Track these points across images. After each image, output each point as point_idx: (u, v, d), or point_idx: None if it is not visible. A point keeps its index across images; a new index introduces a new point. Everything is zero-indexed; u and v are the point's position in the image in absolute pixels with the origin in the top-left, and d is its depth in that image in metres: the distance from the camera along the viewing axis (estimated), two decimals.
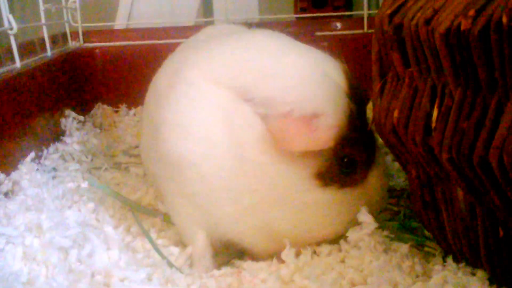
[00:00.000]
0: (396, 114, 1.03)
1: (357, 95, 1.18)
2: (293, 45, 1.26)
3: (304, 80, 1.12)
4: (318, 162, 1.10)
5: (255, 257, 1.18)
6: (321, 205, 1.12)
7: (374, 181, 1.18)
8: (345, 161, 1.12)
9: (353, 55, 2.33)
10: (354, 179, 1.14)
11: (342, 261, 1.13)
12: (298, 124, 1.06)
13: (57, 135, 1.90)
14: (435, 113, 0.94)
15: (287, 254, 1.12)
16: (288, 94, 1.08)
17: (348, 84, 1.18)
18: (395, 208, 1.34)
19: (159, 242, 1.27)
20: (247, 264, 1.15)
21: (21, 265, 1.10)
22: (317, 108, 1.08)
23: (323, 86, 1.12)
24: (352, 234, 1.18)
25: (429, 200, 1.09)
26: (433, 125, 0.94)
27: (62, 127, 1.95)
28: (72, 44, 2.37)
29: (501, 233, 0.92)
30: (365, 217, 1.20)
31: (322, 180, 1.11)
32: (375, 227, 1.18)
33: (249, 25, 1.40)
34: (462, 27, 0.83)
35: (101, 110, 2.34)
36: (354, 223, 1.17)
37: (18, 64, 1.72)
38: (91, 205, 1.39)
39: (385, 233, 1.19)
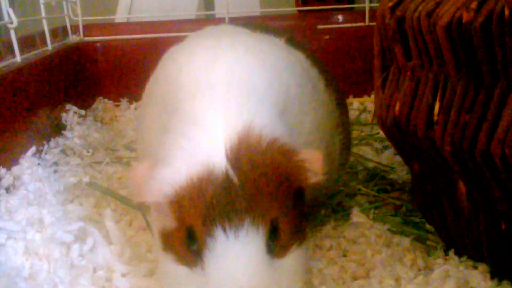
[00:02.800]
0: (398, 107, 1.03)
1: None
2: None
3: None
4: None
5: None
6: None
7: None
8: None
9: (355, 48, 2.34)
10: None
11: (344, 255, 1.14)
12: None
13: (58, 129, 1.90)
14: (437, 106, 0.94)
15: None
16: None
17: None
18: (397, 202, 1.34)
19: None
20: None
21: (23, 260, 1.11)
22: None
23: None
24: (349, 233, 1.18)
25: (431, 193, 1.09)
26: (435, 118, 0.94)
27: (63, 121, 1.95)
28: (72, 38, 2.37)
29: (503, 226, 0.92)
30: (359, 217, 1.20)
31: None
32: (371, 224, 1.19)
33: (254, 26, 1.33)
34: (464, 20, 0.84)
35: (102, 104, 2.34)
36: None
37: (18, 58, 1.73)
38: (92, 199, 1.40)
39: (387, 227, 1.19)
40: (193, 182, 0.90)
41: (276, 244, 0.90)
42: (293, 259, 0.92)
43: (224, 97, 0.97)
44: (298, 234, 0.95)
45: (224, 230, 0.87)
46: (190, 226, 0.90)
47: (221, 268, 0.87)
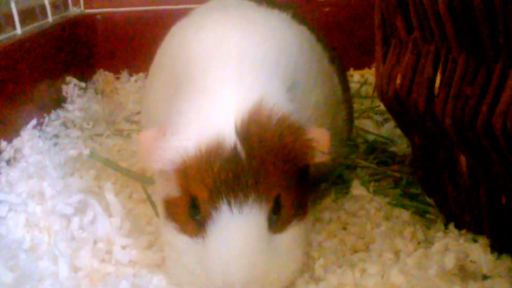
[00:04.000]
0: (399, 80, 1.02)
1: None
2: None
3: None
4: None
5: None
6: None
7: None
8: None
9: (355, 21, 2.32)
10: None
11: (344, 228, 1.13)
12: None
13: (59, 102, 1.88)
14: (438, 79, 0.93)
15: None
16: None
17: None
18: (398, 175, 1.33)
19: None
20: None
21: (24, 232, 1.11)
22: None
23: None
24: (349, 206, 1.18)
25: (431, 166, 1.09)
26: (436, 91, 0.93)
27: (64, 94, 1.94)
28: (73, 10, 2.34)
29: (504, 199, 0.91)
30: (359, 190, 1.20)
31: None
32: (371, 198, 1.19)
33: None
34: None
35: (102, 76, 2.32)
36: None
37: (19, 30, 1.71)
38: (92, 172, 1.39)
39: (387, 200, 1.19)
40: (201, 153, 0.90)
41: (278, 219, 0.92)
42: (292, 234, 0.94)
43: (237, 71, 0.98)
44: (299, 210, 0.96)
45: (229, 203, 0.88)
46: (195, 196, 0.91)
47: (222, 240, 0.88)
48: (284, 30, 1.14)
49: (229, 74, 0.97)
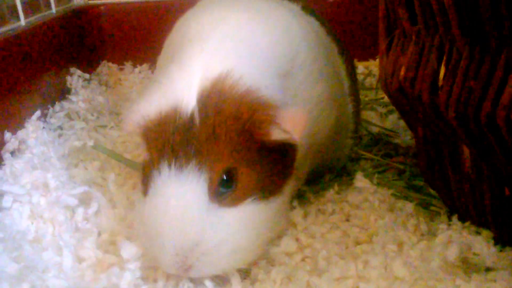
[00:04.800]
0: (402, 72, 1.02)
1: None
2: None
3: None
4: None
5: None
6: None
7: None
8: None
9: (360, 12, 2.31)
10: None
11: (347, 220, 1.13)
12: None
13: (63, 93, 1.89)
14: (442, 71, 0.93)
15: (296, 214, 1.12)
16: None
17: None
18: (401, 167, 1.33)
19: None
20: None
21: (28, 223, 1.11)
22: None
23: None
24: (352, 198, 1.18)
25: (435, 158, 1.08)
26: (440, 83, 0.92)
27: (68, 85, 1.94)
28: (77, 1, 2.35)
29: (507, 192, 0.91)
30: (362, 182, 1.20)
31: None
32: (374, 190, 1.18)
33: None
34: None
35: (106, 68, 2.32)
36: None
37: (22, 21, 1.71)
38: (97, 163, 1.39)
39: (390, 191, 1.19)
40: (160, 116, 0.94)
41: (230, 193, 0.93)
42: (247, 211, 0.94)
43: (213, 46, 1.00)
44: (262, 189, 0.95)
45: (170, 166, 0.91)
46: (150, 157, 0.95)
47: (155, 199, 0.92)
48: (288, 20, 1.14)
49: (205, 47, 1.00)
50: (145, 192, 0.96)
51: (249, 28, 1.06)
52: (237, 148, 0.92)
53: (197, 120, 0.92)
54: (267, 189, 0.96)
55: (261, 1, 1.21)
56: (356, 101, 1.39)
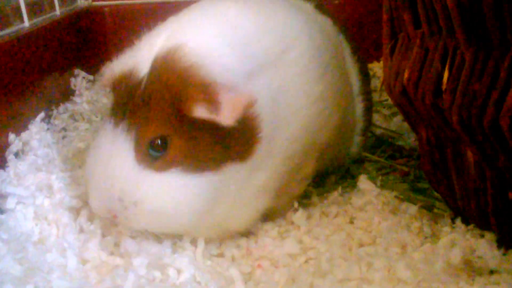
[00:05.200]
0: (406, 75, 1.02)
1: None
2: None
3: None
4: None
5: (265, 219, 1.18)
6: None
7: None
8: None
9: (365, 14, 2.31)
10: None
11: (351, 222, 1.13)
12: None
13: (67, 94, 1.89)
14: (446, 75, 0.93)
15: (299, 216, 1.13)
16: None
17: None
18: (405, 169, 1.34)
19: None
20: (258, 226, 1.15)
21: (32, 225, 1.12)
22: None
23: None
24: (356, 200, 1.18)
25: (438, 161, 1.09)
26: (444, 86, 0.92)
27: (72, 86, 1.94)
28: (81, 3, 2.35)
29: (510, 195, 0.91)
30: (366, 185, 1.20)
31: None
32: (378, 192, 1.19)
33: None
34: None
35: None
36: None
37: (26, 23, 1.71)
38: None
39: (394, 194, 1.19)
40: (122, 75, 1.02)
41: (160, 159, 0.97)
42: (170, 177, 0.98)
43: (186, 19, 1.09)
44: (193, 160, 0.98)
45: (110, 121, 1.01)
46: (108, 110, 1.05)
47: (93, 148, 1.05)
48: (286, 15, 1.15)
49: (179, 21, 1.09)
50: None
51: (234, 13, 1.09)
52: (169, 116, 0.97)
53: (143, 82, 0.98)
54: (201, 162, 0.98)
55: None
56: (368, 100, 1.39)
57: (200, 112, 0.95)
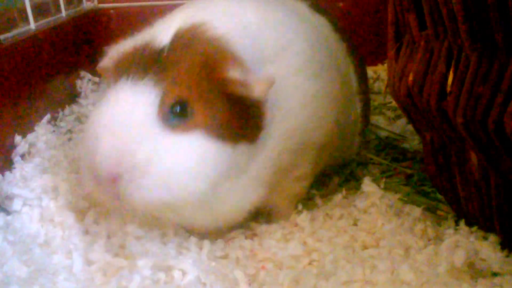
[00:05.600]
0: (411, 77, 1.02)
1: None
2: None
3: None
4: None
5: (269, 221, 1.19)
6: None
7: None
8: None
9: (369, 16, 2.31)
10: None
11: (355, 224, 1.14)
12: None
13: (73, 97, 1.90)
14: (450, 77, 0.93)
15: (303, 218, 1.13)
16: None
17: None
18: (409, 171, 1.34)
19: None
20: (262, 228, 1.16)
21: (38, 227, 1.12)
22: None
23: None
24: (360, 203, 1.18)
25: (442, 164, 1.09)
26: (448, 89, 0.92)
27: (78, 88, 1.95)
28: (86, 5, 2.35)
29: None
30: (370, 187, 1.20)
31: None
32: (382, 194, 1.18)
33: None
34: None
35: None
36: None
37: (32, 25, 1.72)
38: None
39: (398, 196, 1.19)
40: (133, 49, 1.01)
41: (181, 123, 0.95)
42: (190, 140, 0.95)
43: (196, 6, 1.12)
44: (217, 132, 0.97)
45: (127, 78, 0.97)
46: (114, 77, 1.01)
47: (105, 103, 0.98)
48: (288, 16, 1.18)
49: (190, 7, 1.12)
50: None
51: (243, 7, 1.13)
52: (197, 82, 0.96)
53: (165, 52, 0.97)
54: (219, 134, 0.97)
55: None
56: (365, 100, 1.40)
57: (234, 73, 0.96)
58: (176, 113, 0.95)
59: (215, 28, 1.01)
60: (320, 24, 1.29)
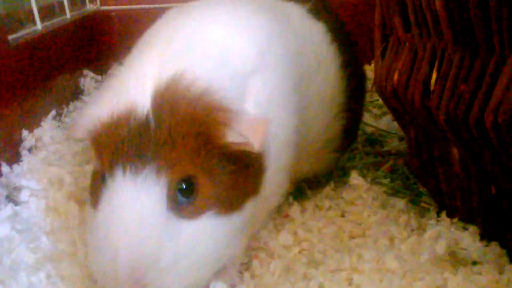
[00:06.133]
0: (396, 76, 1.01)
1: None
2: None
3: None
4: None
5: None
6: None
7: None
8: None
9: (356, 18, 2.30)
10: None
11: (342, 216, 1.13)
12: None
13: (76, 94, 1.89)
14: (434, 76, 0.92)
15: (294, 210, 1.12)
16: None
17: None
18: (394, 166, 1.33)
19: None
20: None
21: (44, 216, 1.11)
22: None
23: None
24: (347, 195, 1.18)
25: (426, 158, 1.08)
26: (432, 87, 0.92)
27: (81, 86, 1.95)
28: (89, 7, 2.34)
29: (494, 190, 0.91)
30: (357, 180, 1.19)
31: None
32: (368, 187, 1.18)
33: None
34: None
35: (117, 70, 2.32)
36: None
37: (39, 26, 1.72)
38: None
39: (383, 189, 1.19)
40: (113, 119, 0.82)
41: (189, 203, 0.80)
42: (206, 225, 0.81)
43: (163, 47, 0.88)
44: (223, 201, 0.83)
45: (124, 171, 0.78)
46: (102, 164, 0.82)
47: (108, 207, 0.79)
48: (273, 27, 1.01)
49: (155, 50, 0.89)
50: (95, 203, 0.83)
51: (204, 30, 0.94)
52: (195, 153, 0.81)
53: (152, 122, 0.79)
54: (228, 203, 0.83)
55: (258, 5, 1.06)
56: (353, 117, 1.23)
57: (233, 137, 0.81)
58: (182, 194, 0.80)
59: (196, 80, 0.83)
60: (311, 35, 1.11)
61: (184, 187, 0.80)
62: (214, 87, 0.83)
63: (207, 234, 0.81)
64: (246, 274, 0.96)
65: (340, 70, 1.15)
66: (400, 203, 1.13)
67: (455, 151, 0.97)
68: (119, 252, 0.76)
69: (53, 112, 1.57)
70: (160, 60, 0.86)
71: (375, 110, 1.75)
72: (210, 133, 0.81)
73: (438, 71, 0.91)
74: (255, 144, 0.81)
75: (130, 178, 0.78)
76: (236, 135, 0.81)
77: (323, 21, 1.16)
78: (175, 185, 0.79)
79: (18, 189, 1.18)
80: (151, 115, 0.80)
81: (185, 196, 0.80)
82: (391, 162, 1.35)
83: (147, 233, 0.77)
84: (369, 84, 2.02)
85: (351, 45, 1.25)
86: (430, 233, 0.99)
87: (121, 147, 0.79)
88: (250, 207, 0.88)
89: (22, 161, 1.30)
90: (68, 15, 2.02)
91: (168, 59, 0.86)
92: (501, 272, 0.88)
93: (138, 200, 0.77)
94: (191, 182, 0.80)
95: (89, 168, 1.31)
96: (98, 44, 2.25)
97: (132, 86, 0.84)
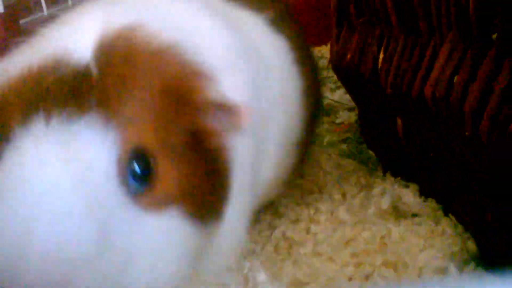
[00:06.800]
0: (349, 56, 0.98)
1: None
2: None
3: None
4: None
5: None
6: None
7: None
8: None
9: (315, 3, 2.23)
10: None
11: (302, 177, 1.09)
12: None
13: None
14: (381, 56, 0.88)
15: None
16: None
17: None
18: (347, 134, 1.29)
19: None
20: None
21: None
22: None
23: None
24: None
25: (374, 126, 1.05)
26: (380, 65, 0.88)
27: None
28: None
29: (431, 153, 0.88)
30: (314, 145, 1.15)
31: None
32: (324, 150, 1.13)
33: None
34: None
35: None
36: None
37: (45, 12, 1.63)
38: None
39: (337, 152, 1.15)
40: (29, 73, 0.51)
41: (147, 190, 0.49)
42: (171, 221, 0.50)
43: (118, 7, 0.59)
44: (192, 200, 0.51)
45: (48, 119, 0.46)
46: (3, 126, 0.48)
47: (15, 170, 0.44)
48: (224, 35, 0.64)
49: (103, 6, 0.60)
50: None
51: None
52: (157, 116, 0.50)
53: (94, 70, 0.49)
54: (200, 202, 0.53)
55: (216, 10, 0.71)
56: (306, 134, 0.87)
57: (216, 92, 0.53)
58: (135, 173, 0.48)
59: (160, 31, 0.54)
60: (275, 47, 0.78)
61: (137, 167, 0.48)
62: (187, 44, 0.55)
63: (171, 233, 0.50)
64: None
65: (301, 96, 0.82)
66: (352, 164, 1.09)
67: (399, 120, 0.93)
68: (33, 241, 0.42)
69: None
70: (103, 10, 0.58)
71: (331, 84, 1.70)
72: (184, 86, 0.52)
73: (385, 52, 0.87)
74: (242, 110, 0.53)
75: (58, 127, 0.45)
76: (220, 95, 0.53)
77: (287, 34, 0.82)
78: (125, 158, 0.47)
79: None
80: (93, 63, 0.50)
81: (137, 181, 0.48)
82: (344, 129, 1.30)
83: (80, 215, 0.43)
84: (326, 63, 1.98)
85: (313, 65, 0.95)
86: (376, 190, 0.96)
87: (44, 95, 0.48)
88: (228, 216, 0.58)
89: None
90: (70, 2, 1.93)
91: (118, 14, 0.57)
92: (437, 224, 0.85)
93: (69, 153, 0.44)
94: (147, 159, 0.49)
95: None
96: None
97: (62, 38, 0.54)
